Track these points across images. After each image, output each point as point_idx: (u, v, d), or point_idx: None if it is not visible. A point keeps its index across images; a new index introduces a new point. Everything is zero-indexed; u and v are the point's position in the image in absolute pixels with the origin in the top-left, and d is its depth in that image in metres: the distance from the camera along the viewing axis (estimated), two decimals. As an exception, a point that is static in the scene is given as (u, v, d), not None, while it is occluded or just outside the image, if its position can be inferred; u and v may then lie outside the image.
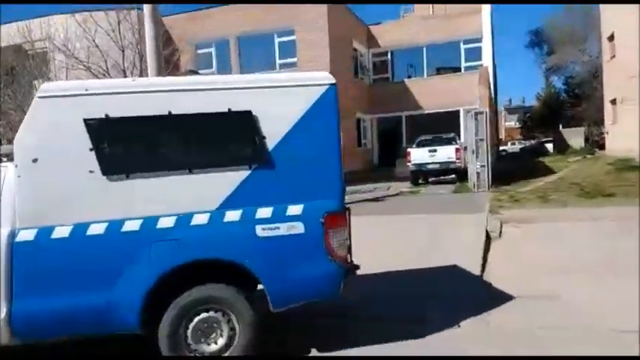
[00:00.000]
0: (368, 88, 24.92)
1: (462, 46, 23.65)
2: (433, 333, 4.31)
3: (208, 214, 3.67)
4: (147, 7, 9.52)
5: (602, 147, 25.98)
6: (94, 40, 13.49)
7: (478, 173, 13.33)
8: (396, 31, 24.45)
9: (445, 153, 16.32)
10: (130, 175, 3.61)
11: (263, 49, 20.04)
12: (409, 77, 24.88)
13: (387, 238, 8.55)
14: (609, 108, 23.20)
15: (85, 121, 3.55)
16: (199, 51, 20.95)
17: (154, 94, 3.74)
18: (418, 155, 16.82)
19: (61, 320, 3.51)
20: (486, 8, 23.01)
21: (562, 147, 31.45)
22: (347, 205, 4.08)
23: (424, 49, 24.27)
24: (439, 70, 24.31)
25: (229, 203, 3.71)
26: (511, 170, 17.40)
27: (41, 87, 3.73)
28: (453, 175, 16.43)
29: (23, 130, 3.59)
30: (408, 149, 17.37)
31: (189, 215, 3.65)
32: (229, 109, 3.75)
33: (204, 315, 3.65)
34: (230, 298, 3.67)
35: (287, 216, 3.75)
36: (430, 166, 16.64)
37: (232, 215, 3.69)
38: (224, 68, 20.70)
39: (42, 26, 16.10)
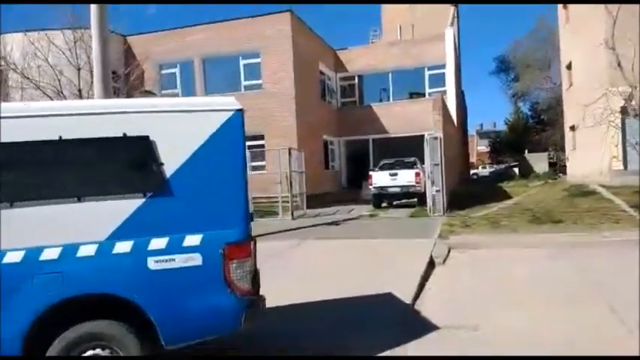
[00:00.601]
0: (336, 111, 25.09)
1: (427, 72, 24.08)
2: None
3: (96, 245, 3.46)
4: (94, 28, 9.44)
5: (566, 172, 26.62)
6: (46, 59, 13.23)
7: (434, 197, 13.40)
8: (363, 57, 24.81)
9: (405, 177, 16.44)
10: (14, 203, 3.40)
11: (228, 71, 20.00)
12: (380, 101, 25.16)
13: (331, 263, 8.48)
14: (569, 134, 23.84)
15: None
16: (163, 71, 20.80)
17: (45, 118, 3.55)
18: (379, 179, 16.91)
19: None
20: (449, 35, 23.57)
21: (526, 171, 32.08)
22: (252, 235, 3.88)
23: (390, 74, 24.65)
24: (412, 95, 24.69)
25: (120, 233, 3.50)
26: (471, 194, 17.58)
27: None
28: (415, 199, 16.55)
29: None
30: (370, 172, 17.46)
31: (76, 246, 3.44)
32: (124, 134, 3.57)
33: (90, 352, 3.42)
34: (117, 334, 3.43)
35: (184, 247, 3.55)
36: (391, 190, 16.73)
37: (122, 247, 3.48)
38: (188, 89, 20.59)
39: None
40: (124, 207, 3.53)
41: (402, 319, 5.43)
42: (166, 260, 3.51)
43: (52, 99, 12.97)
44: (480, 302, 5.90)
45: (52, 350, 3.37)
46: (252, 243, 3.84)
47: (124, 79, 18.30)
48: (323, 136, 22.72)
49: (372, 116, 24.42)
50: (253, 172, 17.42)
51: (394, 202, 17.30)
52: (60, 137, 3.49)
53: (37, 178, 3.49)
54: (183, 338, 3.62)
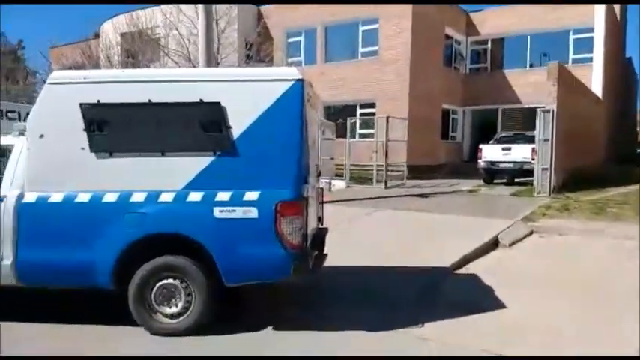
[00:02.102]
0: (463, 78, 23.76)
1: (571, 36, 21.32)
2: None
3: (174, 194, 4.14)
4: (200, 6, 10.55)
5: None
6: (177, 29, 14.95)
7: (540, 176, 12.31)
8: (499, 19, 22.76)
9: (520, 152, 15.18)
10: (113, 153, 4.20)
11: (348, 38, 20.24)
12: (512, 68, 23.14)
13: (388, 233, 8.60)
14: None
15: (81, 105, 4.17)
16: (290, 39, 21.84)
17: (138, 83, 4.30)
18: (490, 153, 15.91)
19: (53, 270, 4.21)
20: (602, -5, 20.41)
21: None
22: (305, 196, 4.27)
23: (528, 38, 22.35)
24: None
25: (193, 185, 4.14)
26: (600, 176, 15.59)
27: (50, 75, 4.43)
28: (533, 178, 15.22)
29: (34, 110, 4.33)
30: (480, 146, 16.47)
31: (158, 193, 4.15)
32: (201, 100, 4.15)
33: (165, 281, 4.18)
34: (186, 267, 4.15)
35: (243, 201, 4.10)
36: (503, 165, 15.65)
37: (194, 196, 4.13)
38: (310, 56, 21.37)
39: (146, 16, 18.21)
40: (198, 163, 4.16)
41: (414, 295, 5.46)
42: (229, 211, 4.10)
43: (180, 66, 14.75)
44: (511, 287, 5.61)
45: (136, 277, 4.17)
46: (303, 203, 4.22)
47: (257, 48, 19.77)
48: (443, 105, 21.83)
49: (504, 84, 22.58)
50: (361, 140, 17.75)
51: (515, 180, 15.85)
52: (149, 100, 4.18)
53: (130, 134, 4.21)
54: (239, 278, 4.24)
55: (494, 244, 7.87)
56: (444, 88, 21.64)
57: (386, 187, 14.61)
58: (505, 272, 6.47)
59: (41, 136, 4.22)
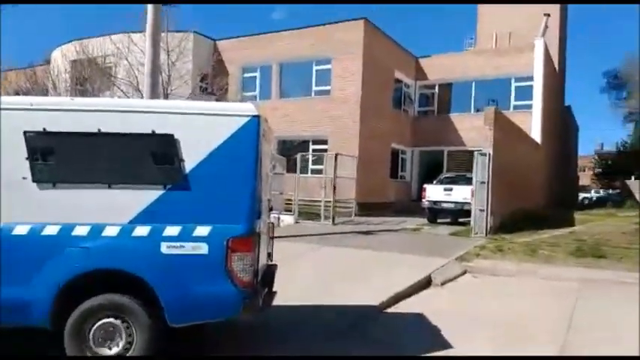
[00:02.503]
0: (412, 120, 24.68)
1: (513, 84, 22.72)
2: None
3: (119, 227, 3.95)
4: (148, 31, 10.60)
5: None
6: (126, 58, 14.90)
7: (476, 217, 12.81)
8: (445, 65, 24.03)
9: (461, 193, 15.75)
10: (57, 184, 3.99)
11: (302, 76, 20.75)
12: (458, 112, 24.27)
13: (326, 270, 8.61)
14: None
15: (25, 132, 3.97)
16: (245, 74, 22.15)
17: (88, 112, 4.13)
18: (433, 193, 16.45)
19: None
20: (539, 46, 22.00)
21: (624, 199, 28.74)
22: (257, 231, 4.18)
23: (473, 83, 23.64)
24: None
25: (141, 218, 3.96)
26: (536, 218, 16.36)
27: None
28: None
29: None
30: (424, 185, 17.04)
31: (102, 226, 3.95)
32: (153, 131, 4.03)
33: (105, 320, 3.92)
34: (129, 307, 3.91)
35: (193, 236, 3.94)
36: (445, 205, 16.19)
37: (141, 230, 3.95)
38: (265, 92, 21.70)
39: (97, 45, 18.07)
40: (147, 196, 3.99)
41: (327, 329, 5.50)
42: (177, 246, 3.93)
43: (128, 96, 14.62)
44: (434, 327, 5.74)
45: (74, 315, 3.90)
46: (255, 238, 4.12)
47: (211, 81, 19.91)
48: (392, 145, 22.52)
49: (450, 127, 23.62)
50: (312, 175, 17.95)
51: (458, 219, 16.31)
52: (99, 130, 4.02)
53: (76, 165, 4.04)
54: (185, 318, 4.03)
55: (427, 282, 8.07)
56: (394, 128, 22.39)
57: (333, 224, 14.76)
58: (432, 312, 6.59)
59: None
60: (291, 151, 18.73)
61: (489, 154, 12.62)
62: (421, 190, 17.70)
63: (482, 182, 12.67)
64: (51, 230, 3.93)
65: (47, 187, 3.97)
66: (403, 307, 6.73)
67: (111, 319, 3.92)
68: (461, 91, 24.31)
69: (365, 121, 19.45)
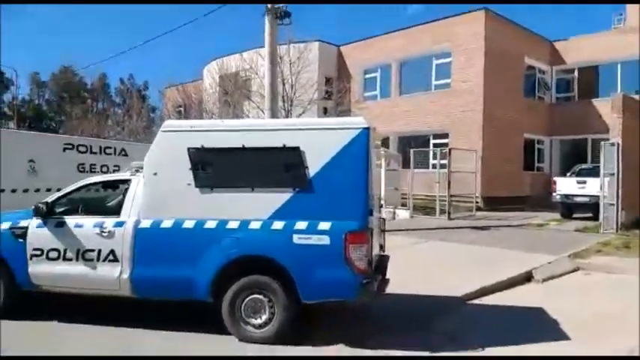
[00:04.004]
0: (548, 107, 22.94)
1: (668, 63, 19.77)
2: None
3: (261, 222, 4.84)
4: (267, 50, 11.93)
5: None
6: (256, 73, 16.64)
7: (605, 212, 11.76)
8: (586, 47, 21.84)
9: (596, 186, 14.44)
10: (214, 188, 4.98)
11: (421, 72, 20.77)
12: (603, 97, 21.89)
13: (424, 263, 8.88)
14: None
15: (188, 149, 5.01)
16: (367, 75, 22.88)
17: (234, 132, 5.14)
18: (565, 186, 15.36)
19: (161, 284, 5.00)
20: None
21: None
22: (370, 227, 4.83)
23: (619, 66, 21.11)
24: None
25: (277, 215, 4.82)
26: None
27: (164, 124, 5.32)
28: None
29: (150, 152, 5.17)
30: (554, 178, 15.92)
31: (248, 221, 4.86)
32: (284, 145, 4.89)
33: (252, 296, 4.85)
34: (270, 284, 4.80)
35: (317, 230, 4.70)
36: (578, 199, 15.00)
37: (277, 225, 4.80)
38: (385, 91, 22.19)
39: (235, 61, 20.40)
40: (281, 197, 4.85)
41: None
42: (305, 238, 4.72)
43: (260, 107, 16.28)
44: (508, 323, 5.79)
45: (230, 291, 4.83)
46: (368, 233, 4.78)
47: (336, 85, 21.12)
48: (525, 135, 21.25)
49: (594, 113, 21.39)
50: (425, 170, 17.77)
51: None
52: (243, 145, 4.99)
53: (227, 173, 5.00)
54: (314, 296, 4.83)
55: (526, 278, 7.89)
56: (526, 117, 21.11)
57: (449, 218, 14.74)
58: (521, 305, 6.50)
59: (155, 173, 5.09)
60: (412, 146, 18.94)
61: (618, 144, 11.49)
62: (551, 182, 16.56)
63: (612, 174, 11.59)
64: (211, 224, 4.92)
65: (206, 191, 4.97)
66: (489, 299, 6.74)
67: (257, 296, 4.83)
68: (606, 75, 21.89)
69: (489, 112, 18.79)
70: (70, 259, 5.26)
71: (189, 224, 4.95)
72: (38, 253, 5.35)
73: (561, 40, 22.79)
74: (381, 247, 5.99)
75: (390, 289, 5.49)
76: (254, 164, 4.94)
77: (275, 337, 4.77)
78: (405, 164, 17.44)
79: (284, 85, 16.85)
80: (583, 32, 27.06)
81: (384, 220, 6.29)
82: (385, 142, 21.17)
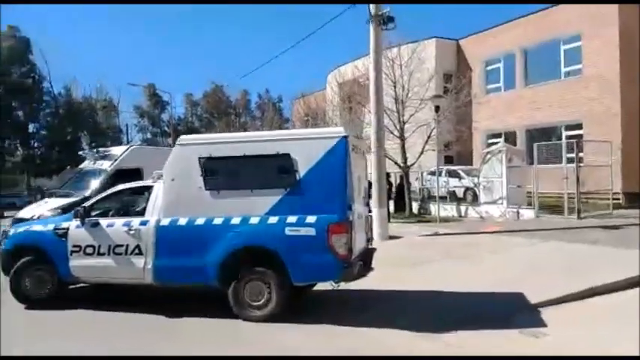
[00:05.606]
0: None
1: None
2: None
3: (259, 217, 5.76)
4: (371, 57, 12.35)
5: None
6: (368, 79, 17.01)
7: None
8: None
9: None
10: (220, 191, 5.93)
11: (548, 59, 19.21)
12: None
13: (528, 263, 8.49)
14: None
15: (199, 158, 5.98)
16: (488, 67, 21.87)
17: (236, 143, 6.21)
18: None
19: (179, 272, 5.98)
20: None
21: None
22: (350, 219, 5.65)
23: None
24: None
25: (272, 211, 5.73)
26: None
27: (179, 138, 6.42)
28: None
29: (169, 161, 6.20)
30: None
31: (248, 217, 5.79)
32: (277, 152, 5.83)
33: (253, 282, 5.78)
34: (267, 270, 5.72)
35: (305, 223, 5.60)
36: None
37: (273, 219, 5.72)
38: (510, 81, 20.99)
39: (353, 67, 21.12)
40: (275, 196, 5.76)
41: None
42: (295, 230, 5.63)
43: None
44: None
45: (234, 277, 5.74)
46: (348, 224, 5.60)
47: (455, 80, 20.59)
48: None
49: None
50: (551, 166, 16.28)
51: None
52: (244, 154, 5.96)
53: (231, 177, 5.95)
54: (302, 278, 5.81)
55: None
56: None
57: (579, 217, 13.54)
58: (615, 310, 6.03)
59: (172, 179, 6.10)
60: (540, 140, 17.65)
61: None
62: None
63: None
64: (218, 221, 5.85)
65: (214, 193, 5.90)
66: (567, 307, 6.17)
67: (257, 281, 5.73)
68: None
69: (628, 99, 16.69)
70: (103, 254, 6.27)
71: (200, 221, 5.90)
72: (77, 249, 6.38)
73: None
74: (369, 241, 6.92)
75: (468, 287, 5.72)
76: (253, 169, 5.86)
77: (271, 316, 5.61)
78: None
79: (395, 87, 16.99)
80: None
81: (370, 217, 7.21)
82: (511, 137, 20.05)
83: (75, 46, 70.54)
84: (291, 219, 5.65)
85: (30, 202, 16.11)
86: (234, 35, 76.61)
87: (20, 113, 42.74)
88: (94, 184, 11.28)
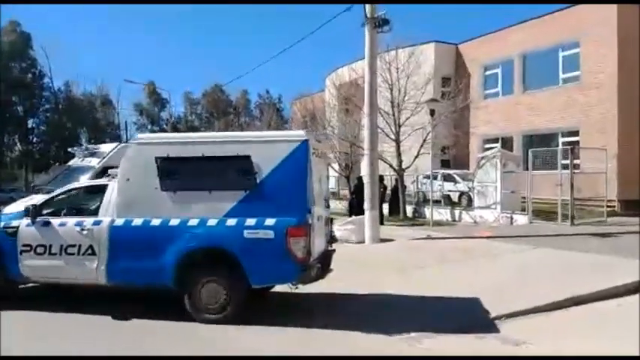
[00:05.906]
0: None
1: None
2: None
3: (217, 219, 5.64)
4: (366, 60, 12.34)
5: None
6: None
7: None
8: None
9: None
10: (177, 192, 5.77)
11: (546, 65, 19.19)
12: None
13: (516, 271, 8.41)
14: None
15: (156, 158, 5.80)
16: (487, 72, 21.83)
17: (195, 144, 6.05)
18: None
19: (133, 273, 5.77)
20: None
21: None
22: (308, 222, 5.57)
23: None
24: None
25: (230, 213, 5.62)
26: None
27: (137, 136, 6.60)
28: None
29: (124, 160, 6.06)
30: None
31: (206, 219, 5.67)
32: (237, 154, 5.74)
33: (210, 284, 5.66)
34: (225, 273, 5.66)
35: (264, 225, 5.51)
36: None
37: (231, 222, 5.61)
38: (508, 87, 20.96)
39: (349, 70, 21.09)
40: (233, 198, 5.67)
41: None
42: (254, 232, 5.55)
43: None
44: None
45: (191, 280, 5.63)
46: (307, 227, 5.54)
47: (453, 84, 20.58)
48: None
49: None
50: (545, 172, 16.22)
51: None
52: (202, 154, 5.85)
53: (188, 178, 5.78)
54: (261, 281, 5.78)
55: (630, 290, 7.05)
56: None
57: (572, 224, 13.49)
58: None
59: (128, 179, 5.93)
60: (538, 145, 17.62)
61: None
62: None
63: None
64: (174, 222, 5.70)
65: (171, 194, 5.75)
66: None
67: (214, 284, 5.61)
68: None
69: (627, 107, 16.60)
70: (55, 254, 6.06)
71: (156, 222, 5.75)
72: (27, 249, 6.14)
73: None
74: (329, 243, 6.87)
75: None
76: (212, 171, 5.75)
77: (229, 318, 5.51)
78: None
79: (391, 90, 16.99)
80: None
81: (331, 219, 7.12)
82: (508, 143, 20.00)
83: (75, 45, 70.85)
84: (250, 221, 5.55)
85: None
86: (234, 35, 76.93)
87: (20, 108, 42.75)
88: (81, 181, 11.19)
